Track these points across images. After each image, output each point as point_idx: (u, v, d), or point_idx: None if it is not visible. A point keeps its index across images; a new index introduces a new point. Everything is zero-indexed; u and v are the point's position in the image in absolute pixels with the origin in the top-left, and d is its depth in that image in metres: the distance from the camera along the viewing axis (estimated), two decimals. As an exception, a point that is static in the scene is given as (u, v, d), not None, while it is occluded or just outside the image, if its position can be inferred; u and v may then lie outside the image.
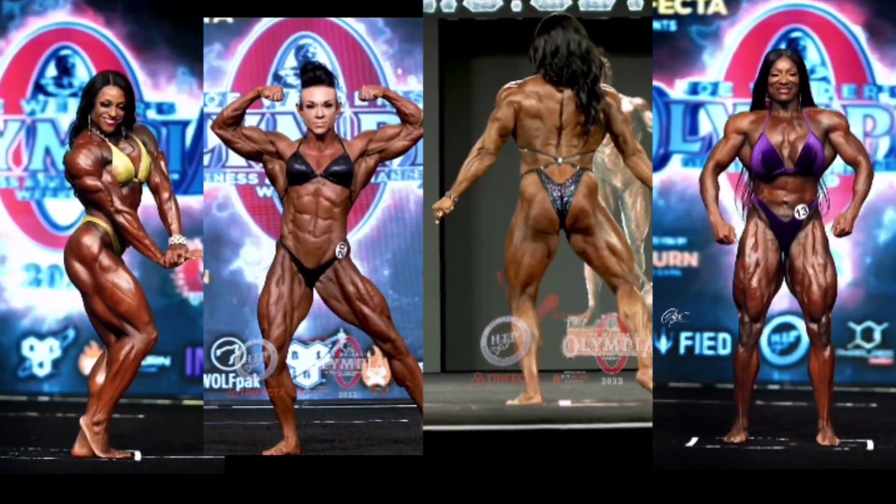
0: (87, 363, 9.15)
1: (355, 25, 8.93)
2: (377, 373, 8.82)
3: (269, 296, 6.54)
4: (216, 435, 7.22)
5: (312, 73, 6.52)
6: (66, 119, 9.04)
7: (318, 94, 6.50)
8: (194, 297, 9.25)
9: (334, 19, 8.90)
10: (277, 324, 6.52)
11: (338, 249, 6.57)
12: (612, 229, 7.23)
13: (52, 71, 9.29)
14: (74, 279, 6.58)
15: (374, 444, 7.01)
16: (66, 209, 9.06)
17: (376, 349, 8.65)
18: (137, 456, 6.63)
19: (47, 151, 9.20)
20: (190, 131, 9.22)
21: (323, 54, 8.90)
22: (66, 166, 6.55)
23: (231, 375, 8.83)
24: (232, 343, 8.83)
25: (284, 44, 8.94)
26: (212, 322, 8.85)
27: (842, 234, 6.74)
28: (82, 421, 6.56)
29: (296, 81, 6.62)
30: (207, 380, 8.87)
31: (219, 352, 8.81)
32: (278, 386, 6.54)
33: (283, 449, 6.55)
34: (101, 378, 6.61)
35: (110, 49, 9.24)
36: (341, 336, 8.52)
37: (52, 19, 9.26)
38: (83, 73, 9.17)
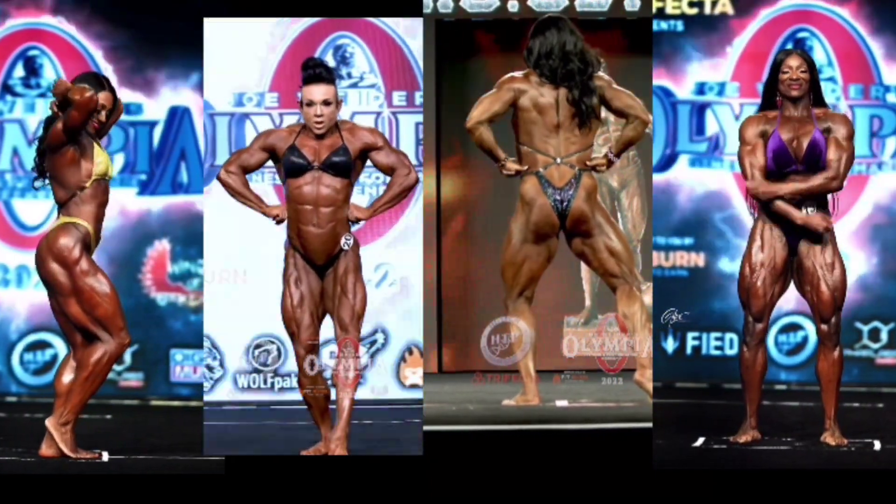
0: (55, 363, 9.17)
1: (392, 24, 8.89)
2: (415, 372, 8.78)
3: (291, 298, 6.46)
4: (253, 434, 7.29)
5: (312, 71, 6.44)
6: (34, 119, 9.07)
7: (318, 92, 6.42)
8: (161, 298, 9.24)
9: (372, 19, 8.85)
10: (306, 326, 6.44)
11: (343, 241, 6.51)
12: (612, 230, 7.20)
13: (19, 71, 9.26)
14: (50, 279, 6.54)
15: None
16: (34, 209, 9.08)
17: (414, 349, 8.68)
18: (105, 457, 6.61)
19: (15, 152, 9.18)
20: (157, 132, 9.20)
21: (361, 54, 8.87)
22: (54, 130, 6.48)
23: (269, 376, 8.78)
24: (271, 343, 8.78)
25: (322, 44, 8.90)
26: (249, 321, 8.78)
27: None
28: (48, 422, 6.54)
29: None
30: (245, 380, 8.83)
31: (255, 352, 8.78)
32: (313, 386, 6.48)
33: (322, 449, 6.47)
34: (66, 378, 6.60)
35: (78, 50, 9.23)
36: (379, 336, 8.54)
37: (21, 19, 9.23)
38: (51, 73, 9.14)
